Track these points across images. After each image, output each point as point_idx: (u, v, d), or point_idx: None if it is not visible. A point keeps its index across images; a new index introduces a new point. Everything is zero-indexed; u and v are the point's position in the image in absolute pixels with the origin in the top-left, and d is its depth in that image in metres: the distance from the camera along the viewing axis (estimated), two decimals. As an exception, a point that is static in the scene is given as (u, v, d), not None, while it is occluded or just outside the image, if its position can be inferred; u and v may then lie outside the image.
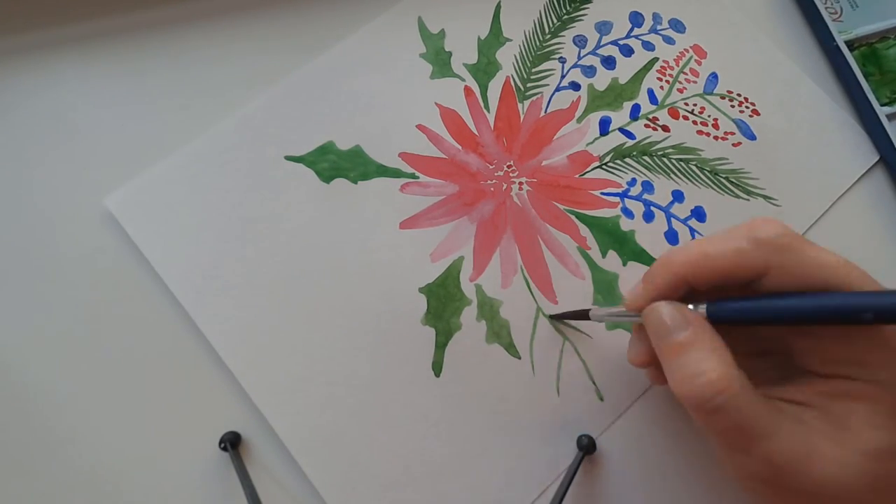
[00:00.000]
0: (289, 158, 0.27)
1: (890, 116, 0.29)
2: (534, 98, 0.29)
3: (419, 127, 0.28)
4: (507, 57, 0.29)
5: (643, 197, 0.28)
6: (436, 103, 0.28)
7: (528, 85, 0.29)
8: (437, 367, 0.25)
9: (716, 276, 0.17)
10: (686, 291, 0.18)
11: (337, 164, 0.27)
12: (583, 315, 0.23)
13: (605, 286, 0.26)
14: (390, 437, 0.23)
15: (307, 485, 0.23)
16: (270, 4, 0.29)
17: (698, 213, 0.28)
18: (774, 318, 0.17)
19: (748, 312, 0.17)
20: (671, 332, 0.17)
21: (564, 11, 0.31)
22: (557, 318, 0.25)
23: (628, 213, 0.27)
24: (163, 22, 0.29)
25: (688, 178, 0.28)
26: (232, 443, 0.23)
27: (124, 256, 0.25)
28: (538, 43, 0.30)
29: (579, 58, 0.30)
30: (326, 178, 0.27)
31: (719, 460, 0.18)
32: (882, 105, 0.29)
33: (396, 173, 0.27)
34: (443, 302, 0.25)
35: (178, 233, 0.25)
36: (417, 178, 0.27)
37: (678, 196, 0.28)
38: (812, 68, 0.31)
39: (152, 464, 0.23)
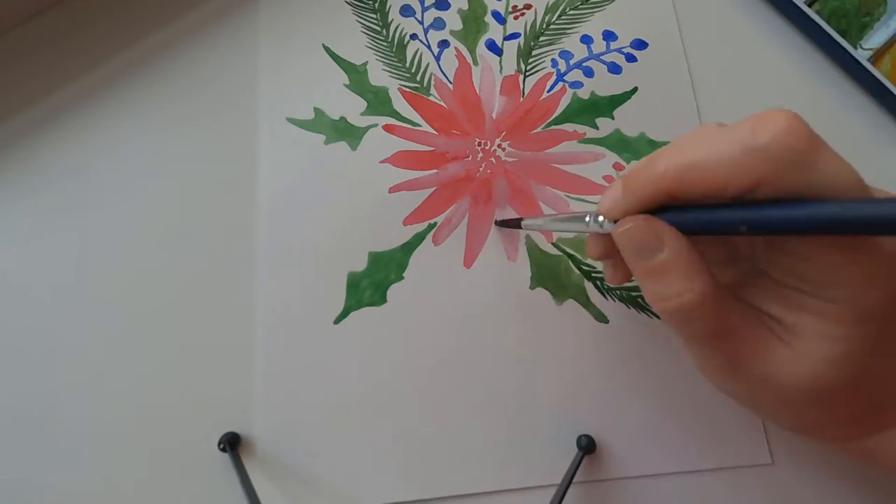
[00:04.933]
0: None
1: None
2: (434, 83, 0.29)
3: (391, 190, 0.27)
4: (378, 75, 0.28)
5: (571, 64, 0.29)
6: (380, 161, 0.27)
7: (417, 79, 0.29)
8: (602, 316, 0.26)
9: (703, 190, 0.15)
10: (660, 203, 0.16)
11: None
12: (516, 224, 0.24)
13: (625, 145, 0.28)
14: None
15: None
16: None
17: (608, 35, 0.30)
18: (755, 229, 0.14)
19: (714, 225, 0.15)
20: (647, 252, 0.16)
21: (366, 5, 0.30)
22: (499, 224, 0.26)
23: (576, 85, 0.29)
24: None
25: (583, 20, 0.30)
26: (231, 443, 0.23)
27: None
28: (385, 41, 0.29)
29: (422, 21, 0.29)
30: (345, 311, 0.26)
31: (686, 352, 0.19)
32: None
33: (418, 239, 0.26)
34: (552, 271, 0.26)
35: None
36: (436, 224, 0.27)
37: (591, 38, 0.30)
38: None
39: (152, 464, 0.24)
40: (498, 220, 0.26)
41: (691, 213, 0.16)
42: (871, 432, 0.18)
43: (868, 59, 0.28)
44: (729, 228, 0.15)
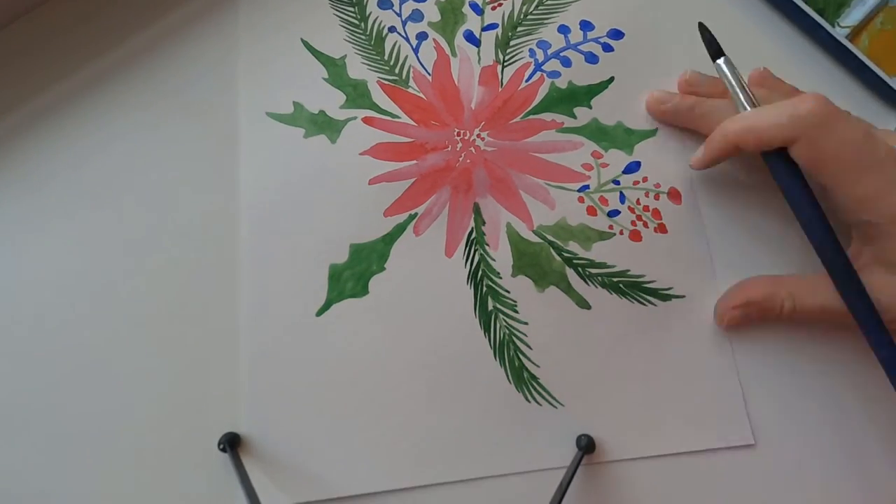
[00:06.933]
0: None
1: None
2: (412, 75, 0.29)
3: (371, 182, 0.27)
4: (357, 68, 0.29)
5: (549, 54, 0.29)
6: (361, 154, 0.27)
7: (395, 72, 0.29)
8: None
9: (758, 144, 0.23)
10: (732, 154, 0.24)
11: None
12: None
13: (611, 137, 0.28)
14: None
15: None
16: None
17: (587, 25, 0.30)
18: None
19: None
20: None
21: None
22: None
23: (554, 75, 0.29)
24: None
25: (560, 10, 0.30)
26: (231, 444, 0.23)
27: None
28: (363, 35, 0.29)
29: (400, 13, 0.30)
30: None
31: None
32: None
33: (399, 230, 0.27)
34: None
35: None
36: (417, 214, 0.27)
37: (569, 28, 0.30)
38: None
39: (152, 464, 0.24)
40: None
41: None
42: None
43: (846, 37, 0.29)
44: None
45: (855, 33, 0.29)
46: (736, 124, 0.23)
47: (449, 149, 0.28)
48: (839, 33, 0.29)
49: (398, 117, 0.28)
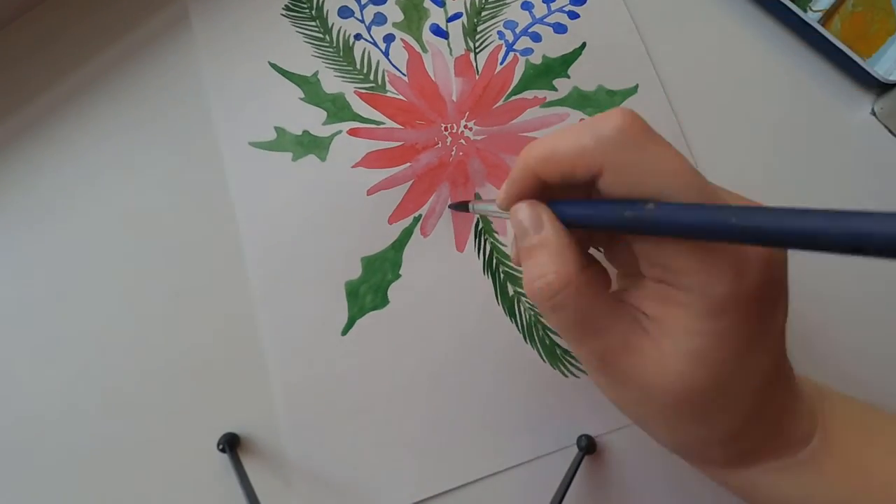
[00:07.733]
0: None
1: None
2: (388, 78, 0.28)
3: (370, 192, 0.27)
4: (331, 82, 0.28)
5: (517, 32, 0.29)
6: (352, 165, 0.27)
7: (371, 79, 0.28)
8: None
9: (560, 174, 0.16)
10: (540, 188, 0.17)
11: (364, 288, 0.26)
12: (464, 207, 0.24)
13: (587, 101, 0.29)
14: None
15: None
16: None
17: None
18: (600, 224, 0.15)
19: (576, 216, 0.16)
20: (526, 233, 0.16)
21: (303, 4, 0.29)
22: (452, 207, 0.26)
23: (527, 52, 0.29)
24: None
25: (518, -11, 0.30)
26: (230, 444, 0.24)
27: None
28: (331, 47, 0.29)
29: (362, 19, 0.29)
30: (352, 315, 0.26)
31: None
32: None
33: (407, 234, 0.27)
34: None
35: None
36: (421, 216, 0.27)
37: (532, 4, 0.30)
38: None
39: (151, 465, 0.24)
40: (450, 203, 0.27)
41: (571, 205, 0.16)
42: (750, 463, 0.17)
43: (818, 21, 0.28)
44: (602, 220, 0.15)
45: (827, 17, 0.29)
46: (538, 148, 0.16)
47: (439, 145, 0.28)
48: (811, 17, 0.28)
49: (383, 123, 0.28)
